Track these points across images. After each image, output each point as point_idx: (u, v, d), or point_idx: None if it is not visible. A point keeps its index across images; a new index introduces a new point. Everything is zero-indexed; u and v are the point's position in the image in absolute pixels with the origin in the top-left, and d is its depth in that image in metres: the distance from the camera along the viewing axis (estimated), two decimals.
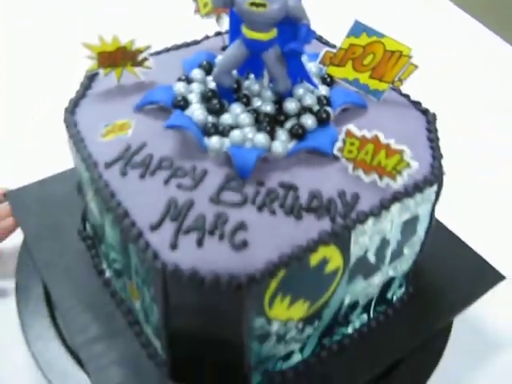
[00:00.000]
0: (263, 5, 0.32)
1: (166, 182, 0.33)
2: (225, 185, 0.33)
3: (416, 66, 0.39)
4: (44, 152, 0.60)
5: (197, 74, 0.39)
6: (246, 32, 0.34)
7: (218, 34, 0.46)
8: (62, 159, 0.51)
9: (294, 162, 0.35)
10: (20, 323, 0.42)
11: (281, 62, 0.35)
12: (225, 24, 0.43)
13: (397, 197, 0.33)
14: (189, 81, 0.39)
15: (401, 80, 0.40)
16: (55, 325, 0.42)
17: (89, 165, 0.34)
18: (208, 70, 0.40)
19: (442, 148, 0.37)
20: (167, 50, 0.44)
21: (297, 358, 0.38)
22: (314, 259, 0.31)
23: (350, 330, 0.41)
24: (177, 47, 0.45)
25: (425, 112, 0.40)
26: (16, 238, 0.49)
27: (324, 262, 0.32)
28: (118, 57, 0.38)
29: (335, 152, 0.34)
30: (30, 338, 0.41)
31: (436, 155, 0.36)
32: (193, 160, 0.34)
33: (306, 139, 0.35)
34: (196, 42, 0.46)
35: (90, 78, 0.40)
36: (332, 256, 0.32)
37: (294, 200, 0.32)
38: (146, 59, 0.39)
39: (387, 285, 0.40)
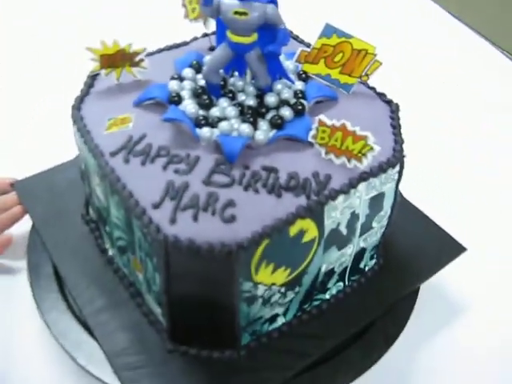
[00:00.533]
0: (245, 13, 0.37)
1: (164, 167, 0.38)
2: (215, 169, 0.38)
3: (380, 63, 0.44)
4: (46, 146, 0.64)
5: (188, 72, 0.44)
6: (231, 36, 0.39)
7: (205, 35, 0.51)
8: (63, 152, 0.56)
9: (274, 148, 0.40)
10: (33, 298, 0.47)
11: (261, 61, 0.40)
12: (211, 27, 0.48)
13: (363, 176, 0.39)
14: (181, 79, 0.44)
15: (367, 75, 0.45)
16: (65, 299, 0.47)
17: (96, 154, 0.39)
18: (197, 68, 0.45)
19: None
20: (160, 50, 0.49)
21: (280, 320, 0.44)
22: (293, 231, 0.37)
23: (327, 296, 0.46)
24: (168, 48, 0.50)
25: (389, 102, 0.45)
26: (25, 224, 0.54)
27: (301, 233, 0.37)
28: (117, 58, 0.43)
29: (310, 139, 0.40)
30: (44, 311, 0.46)
31: (398, 140, 0.42)
32: (187, 148, 0.39)
33: (284, 128, 0.41)
34: (185, 43, 0.50)
35: (93, 78, 0.45)
36: (308, 228, 0.38)
37: (275, 180, 0.38)
38: (142, 60, 0.44)
39: (359, 256, 0.46)
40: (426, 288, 0.50)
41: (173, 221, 0.35)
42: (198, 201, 0.36)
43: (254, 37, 0.39)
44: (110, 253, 0.48)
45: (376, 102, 0.45)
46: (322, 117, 0.38)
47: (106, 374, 0.42)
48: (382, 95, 0.46)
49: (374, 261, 0.49)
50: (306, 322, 0.45)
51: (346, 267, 0.46)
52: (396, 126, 0.43)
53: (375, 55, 0.43)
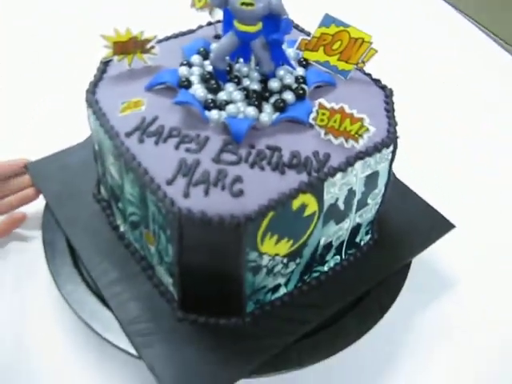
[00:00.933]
0: (251, 4, 0.40)
1: (176, 147, 0.41)
2: (223, 148, 0.41)
3: (376, 51, 0.47)
4: (56, 129, 0.67)
5: (196, 59, 0.47)
6: (237, 25, 0.42)
7: (210, 23, 0.54)
8: (73, 135, 0.59)
9: (277, 130, 0.43)
10: (49, 272, 0.50)
11: (265, 49, 0.43)
12: (216, 15, 0.51)
13: (359, 156, 0.42)
14: (190, 65, 0.47)
15: (364, 62, 0.48)
16: (79, 273, 0.50)
17: (112, 135, 0.42)
18: (205, 55, 0.48)
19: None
20: (168, 38, 0.52)
21: (282, 290, 0.47)
22: (295, 204, 0.40)
23: (326, 268, 0.49)
24: (176, 36, 0.52)
25: (383, 88, 0.48)
26: (38, 204, 0.57)
27: (303, 207, 0.41)
28: (129, 45, 0.46)
29: (310, 121, 0.43)
30: (60, 283, 0.49)
31: (391, 123, 0.45)
32: (197, 129, 0.42)
33: (286, 111, 0.44)
34: (192, 31, 0.53)
35: (105, 64, 0.48)
36: (309, 202, 0.41)
37: (279, 159, 0.41)
38: (153, 47, 0.47)
39: (355, 230, 0.49)
40: (418, 262, 0.54)
41: (186, 195, 0.38)
42: (208, 177, 0.39)
43: (259, 26, 0.42)
44: (122, 229, 0.51)
45: (371, 88, 0.48)
46: (322, 100, 0.41)
47: (121, 341, 0.45)
48: (377, 81, 0.49)
49: (369, 236, 0.52)
50: (306, 292, 0.48)
51: (343, 241, 0.49)
52: (390, 110, 0.46)
53: (371, 43, 0.46)
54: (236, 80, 0.46)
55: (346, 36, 0.46)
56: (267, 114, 0.43)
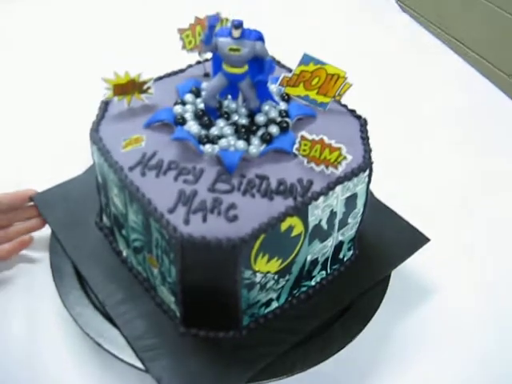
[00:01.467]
0: (238, 50, 0.45)
1: (175, 178, 0.46)
2: (217, 178, 0.46)
3: (350, 85, 0.53)
4: (56, 163, 0.71)
5: (189, 97, 0.52)
6: (226, 68, 0.47)
7: (198, 62, 0.59)
8: (72, 168, 0.64)
9: (264, 160, 0.48)
10: (58, 294, 0.54)
11: (252, 88, 0.49)
12: (205, 55, 0.56)
13: (339, 180, 0.47)
14: (183, 103, 0.51)
15: (340, 95, 0.54)
16: (86, 295, 0.54)
17: (116, 169, 0.47)
18: (197, 93, 0.53)
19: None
20: (161, 77, 0.57)
21: (274, 304, 0.52)
22: (283, 227, 0.45)
23: (313, 282, 0.54)
24: (168, 75, 0.57)
25: (358, 117, 0.54)
26: (45, 231, 0.61)
27: (290, 228, 0.45)
28: (128, 87, 0.51)
29: (294, 151, 0.48)
30: (69, 305, 0.53)
31: (366, 149, 0.50)
32: (193, 162, 0.47)
33: (272, 143, 0.49)
34: (182, 70, 0.58)
35: (106, 104, 0.53)
36: (296, 224, 0.46)
37: (267, 186, 0.46)
38: (149, 87, 0.52)
39: (338, 247, 0.54)
40: (397, 274, 0.59)
41: (186, 222, 0.43)
42: (205, 205, 0.44)
43: (245, 68, 0.47)
44: (124, 254, 0.55)
45: (348, 118, 0.54)
46: (304, 133, 0.47)
47: (127, 356, 0.49)
48: (352, 111, 0.54)
49: (351, 252, 0.57)
50: (296, 305, 0.53)
51: (328, 257, 0.54)
52: (365, 138, 0.51)
53: (346, 78, 0.52)
54: (226, 116, 0.51)
55: (324, 73, 0.52)
56: (255, 146, 0.48)
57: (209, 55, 0.56)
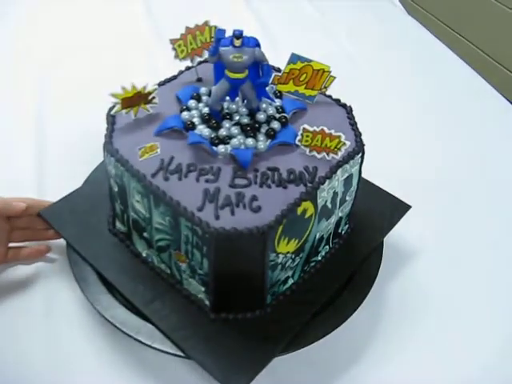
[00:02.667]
0: (241, 57, 0.50)
1: (197, 179, 0.50)
2: (235, 174, 0.51)
3: (334, 77, 0.59)
4: (55, 178, 0.73)
5: (192, 103, 0.56)
6: (229, 74, 0.52)
7: (188, 68, 0.63)
8: (69, 182, 0.66)
9: (271, 153, 0.53)
10: (89, 302, 0.57)
11: (252, 89, 0.53)
12: (196, 62, 0.60)
13: (339, 164, 0.53)
14: (188, 109, 0.56)
15: (326, 87, 0.59)
16: (115, 298, 0.57)
17: (140, 177, 0.50)
18: (198, 99, 0.57)
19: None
20: (157, 85, 0.61)
21: (290, 281, 0.58)
22: (299, 211, 0.50)
23: (319, 257, 0.60)
24: (163, 83, 0.61)
25: (343, 106, 0.60)
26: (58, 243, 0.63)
27: (304, 211, 0.51)
28: (135, 99, 0.54)
29: (297, 142, 0.54)
30: (102, 309, 0.56)
31: (357, 133, 0.56)
32: (209, 162, 0.52)
33: (276, 137, 0.54)
34: (174, 77, 0.62)
35: (113, 117, 0.56)
36: (308, 207, 0.51)
37: (279, 177, 0.51)
38: (154, 97, 0.55)
39: (338, 223, 0.61)
40: (387, 240, 0.66)
41: (217, 217, 0.47)
42: (230, 200, 0.49)
43: (246, 72, 0.52)
44: (144, 254, 0.59)
45: (334, 107, 0.60)
46: (306, 125, 0.52)
47: (168, 347, 0.53)
48: (337, 101, 0.60)
49: (347, 226, 0.64)
50: (308, 279, 0.59)
51: (330, 233, 0.60)
52: (353, 123, 0.57)
53: (330, 72, 0.58)
54: (228, 117, 0.55)
55: (310, 69, 0.57)
56: (262, 142, 0.53)
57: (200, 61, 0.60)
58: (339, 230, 0.62)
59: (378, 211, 0.67)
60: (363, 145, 0.56)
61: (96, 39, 1.05)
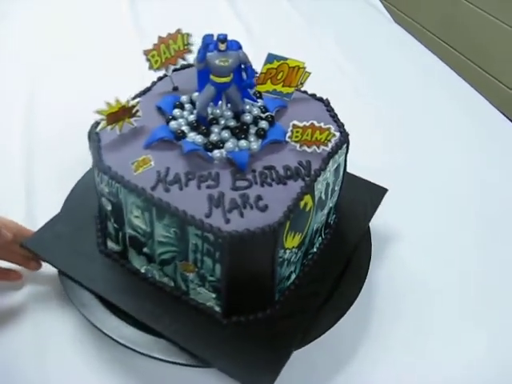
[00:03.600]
0: (227, 61, 0.50)
1: (198, 186, 0.50)
2: (235, 177, 0.51)
3: (309, 73, 0.60)
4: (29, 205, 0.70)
5: (177, 112, 0.56)
6: (215, 79, 0.52)
7: (161, 78, 0.62)
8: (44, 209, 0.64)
9: (265, 153, 0.54)
10: (95, 327, 0.55)
11: (238, 92, 0.54)
12: (170, 71, 0.60)
13: (330, 156, 0.55)
14: (174, 118, 0.55)
15: (302, 83, 0.61)
16: (121, 318, 0.56)
17: (139, 192, 0.49)
18: (181, 107, 0.56)
19: None
20: (133, 99, 0.59)
21: (293, 276, 0.59)
22: (301, 205, 0.51)
23: (315, 249, 0.62)
24: (139, 95, 0.60)
25: (320, 99, 0.62)
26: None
27: (305, 205, 0.52)
28: (119, 114, 0.53)
29: (287, 139, 0.55)
30: (109, 332, 0.54)
31: (339, 124, 0.58)
32: (206, 169, 0.52)
33: (266, 137, 0.55)
34: (149, 89, 0.61)
35: (97, 134, 0.54)
36: (308, 201, 0.53)
37: (277, 174, 0.52)
38: (137, 111, 0.54)
39: (329, 213, 0.62)
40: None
41: (227, 221, 0.47)
42: (236, 202, 0.49)
43: (231, 76, 0.52)
44: (143, 271, 0.58)
45: (312, 102, 0.61)
46: (295, 122, 0.53)
47: (184, 359, 0.52)
48: (313, 95, 0.62)
49: (334, 215, 0.66)
50: (307, 272, 0.60)
51: (323, 224, 0.62)
52: (334, 115, 0.59)
53: (305, 68, 0.59)
54: (215, 121, 0.55)
55: (286, 67, 0.58)
56: (255, 143, 0.54)
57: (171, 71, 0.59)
58: (329, 220, 0.64)
59: (358, 198, 0.69)
60: (347, 134, 0.58)
61: (84, 41, 1.05)
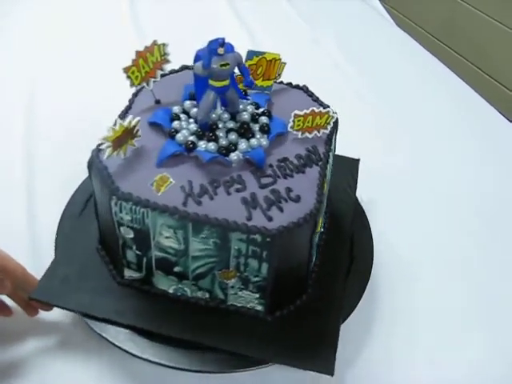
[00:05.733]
0: (227, 64, 0.50)
1: (228, 193, 0.50)
2: (256, 176, 0.52)
3: (285, 63, 0.62)
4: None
5: (177, 124, 0.54)
6: (214, 83, 0.52)
7: (135, 94, 0.60)
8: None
9: (272, 147, 0.55)
10: (142, 358, 0.52)
11: (236, 93, 0.54)
12: (151, 85, 0.58)
13: (329, 137, 0.57)
14: (176, 131, 0.54)
15: (279, 74, 0.62)
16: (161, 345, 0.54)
17: (171, 211, 0.48)
18: (179, 118, 0.55)
19: None
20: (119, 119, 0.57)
21: (314, 259, 0.61)
22: (324, 188, 0.53)
23: (322, 229, 0.64)
24: (122, 115, 0.57)
25: (298, 87, 0.63)
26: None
27: (325, 187, 0.54)
28: (123, 137, 0.51)
29: (289, 129, 0.56)
30: (159, 359, 0.52)
31: (325, 106, 0.61)
32: (227, 173, 0.51)
33: (270, 131, 0.56)
34: (129, 107, 0.59)
35: (100, 162, 0.51)
36: (325, 183, 0.55)
37: (293, 165, 0.53)
38: (138, 130, 0.52)
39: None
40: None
41: (270, 219, 0.48)
42: (271, 200, 0.49)
43: (229, 78, 0.53)
44: (171, 291, 0.56)
45: (292, 90, 0.63)
46: (297, 111, 0.55)
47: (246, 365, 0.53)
48: (290, 84, 0.64)
49: None
50: (320, 253, 0.62)
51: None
52: (316, 99, 0.62)
53: (280, 59, 0.61)
54: (215, 126, 0.55)
55: (264, 61, 0.60)
56: (263, 139, 0.55)
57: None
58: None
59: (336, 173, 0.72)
60: (335, 113, 0.60)
61: (84, 43, 1.04)
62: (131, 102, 0.60)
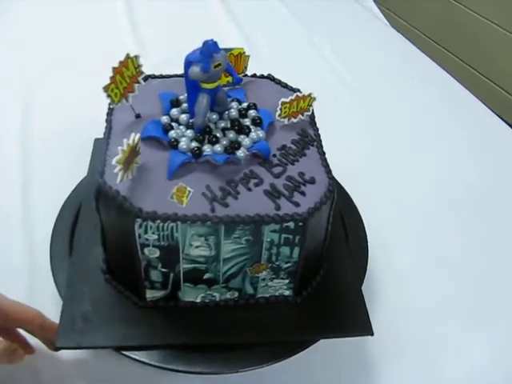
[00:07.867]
0: (220, 64, 0.51)
1: (248, 189, 0.51)
2: (266, 167, 0.53)
3: (248, 56, 0.63)
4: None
5: (173, 134, 0.54)
6: (207, 86, 0.52)
7: (110, 113, 0.58)
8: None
9: (267, 137, 0.56)
10: (188, 371, 0.52)
11: (224, 93, 0.55)
12: (130, 99, 0.56)
13: (312, 118, 0.60)
14: (177, 141, 0.53)
15: (246, 67, 0.64)
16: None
17: (203, 219, 0.47)
18: (172, 127, 0.54)
19: None
20: (108, 137, 0.54)
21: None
22: (328, 165, 0.56)
23: None
24: (107, 137, 0.55)
25: (265, 77, 0.65)
26: None
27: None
28: (130, 156, 0.49)
29: (277, 118, 0.58)
30: (212, 369, 0.52)
31: (296, 90, 0.63)
32: (239, 171, 0.52)
33: (262, 123, 0.57)
34: (110, 127, 0.56)
35: (110, 188, 0.49)
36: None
37: (293, 150, 0.55)
38: (139, 148, 0.51)
39: None
40: None
41: (297, 204, 0.50)
42: (291, 186, 0.51)
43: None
44: (199, 300, 0.56)
45: (262, 81, 0.65)
46: (283, 99, 0.57)
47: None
48: (254, 76, 0.65)
49: None
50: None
51: None
52: (285, 85, 0.64)
53: (244, 52, 0.62)
54: (208, 128, 0.55)
55: (232, 57, 0.61)
56: (260, 131, 0.56)
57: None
58: None
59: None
60: (311, 93, 0.62)
61: (81, 47, 1.03)
62: (109, 121, 0.57)
